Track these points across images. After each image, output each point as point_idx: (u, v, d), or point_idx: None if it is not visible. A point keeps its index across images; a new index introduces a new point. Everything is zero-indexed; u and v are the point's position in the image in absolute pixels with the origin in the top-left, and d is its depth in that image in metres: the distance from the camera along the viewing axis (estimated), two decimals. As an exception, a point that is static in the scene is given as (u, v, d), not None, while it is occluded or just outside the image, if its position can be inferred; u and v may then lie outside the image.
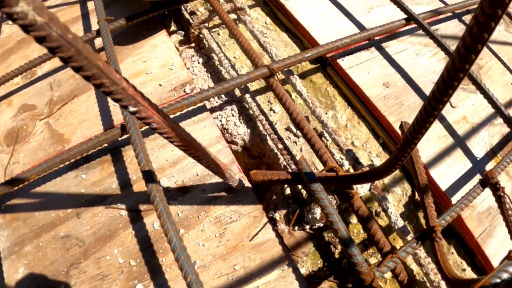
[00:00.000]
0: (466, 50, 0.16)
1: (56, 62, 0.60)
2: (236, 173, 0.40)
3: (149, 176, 0.35)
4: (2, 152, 0.53)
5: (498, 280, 0.22)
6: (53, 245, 0.43)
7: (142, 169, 0.36)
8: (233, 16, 0.64)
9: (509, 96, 0.66)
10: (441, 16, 0.72)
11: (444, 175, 0.48)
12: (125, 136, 0.44)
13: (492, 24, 0.17)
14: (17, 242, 0.45)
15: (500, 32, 0.81)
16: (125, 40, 0.59)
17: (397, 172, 0.49)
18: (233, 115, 0.49)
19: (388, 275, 0.42)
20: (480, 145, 0.55)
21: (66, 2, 0.74)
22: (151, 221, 0.41)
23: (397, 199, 0.47)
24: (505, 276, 0.23)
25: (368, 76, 0.54)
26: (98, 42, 0.61)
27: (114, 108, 0.50)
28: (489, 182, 0.43)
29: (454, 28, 0.73)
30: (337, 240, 0.40)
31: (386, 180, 0.47)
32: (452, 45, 0.69)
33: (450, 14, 0.74)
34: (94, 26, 0.65)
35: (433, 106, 0.21)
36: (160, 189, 0.34)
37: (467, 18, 0.79)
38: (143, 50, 0.56)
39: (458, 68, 0.17)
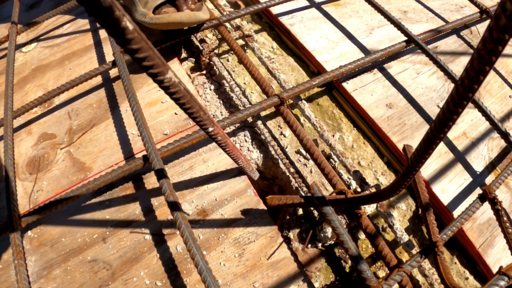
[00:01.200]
0: (470, 81, 0.19)
1: (72, 92, 0.65)
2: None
3: (174, 205, 0.40)
4: (25, 180, 0.58)
5: None
6: (81, 269, 0.48)
7: (167, 200, 0.41)
8: (241, 42, 0.69)
9: (507, 109, 0.72)
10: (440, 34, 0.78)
11: (446, 190, 0.53)
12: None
13: (493, 58, 0.19)
14: (45, 266, 0.49)
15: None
16: (139, 69, 0.64)
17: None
18: (246, 141, 0.54)
19: (396, 287, 0.47)
20: (479, 159, 0.60)
21: (79, 30, 0.80)
22: (175, 244, 0.46)
23: (402, 214, 0.51)
24: (495, 288, 0.28)
25: (372, 98, 0.60)
26: (113, 71, 0.67)
27: (132, 137, 0.56)
28: (487, 197, 0.48)
29: (453, 45, 0.79)
30: (347, 256, 0.45)
31: (395, 198, 0.52)
32: (451, 62, 0.75)
33: (449, 30, 0.79)
34: (107, 54, 0.71)
35: (437, 131, 0.24)
36: (185, 217, 0.39)
37: (465, 33, 0.85)
38: (157, 79, 0.62)
39: (462, 96, 0.20)
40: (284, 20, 0.71)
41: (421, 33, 0.69)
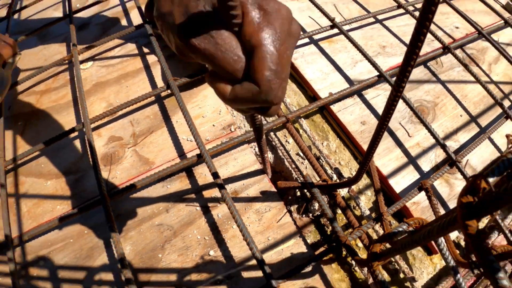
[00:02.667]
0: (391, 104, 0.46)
1: (133, 106, 0.93)
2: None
3: (221, 186, 0.68)
4: (101, 170, 0.85)
5: (394, 232, 0.54)
6: (150, 230, 0.75)
7: (216, 182, 0.68)
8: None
9: (456, 125, 0.99)
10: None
11: (399, 183, 0.81)
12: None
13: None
14: (123, 229, 0.76)
15: (459, 72, 1.14)
16: (184, 90, 0.92)
17: (368, 181, 0.82)
18: (262, 146, 0.81)
19: (360, 246, 0.75)
20: (428, 163, 0.87)
21: (128, 54, 1.07)
22: (216, 213, 0.73)
23: (367, 198, 0.79)
24: (399, 229, 0.55)
25: (351, 117, 0.87)
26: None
27: (183, 141, 0.83)
28: (423, 188, 0.76)
29: (419, 74, 1.07)
30: (328, 221, 0.73)
31: (361, 186, 0.80)
32: (416, 88, 1.03)
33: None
34: (157, 78, 0.98)
35: (378, 131, 0.51)
36: (228, 193, 0.67)
37: (432, 63, 1.13)
38: (198, 99, 0.90)
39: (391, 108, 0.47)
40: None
41: (391, 68, 0.97)
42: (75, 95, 1.01)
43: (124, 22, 1.21)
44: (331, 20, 1.02)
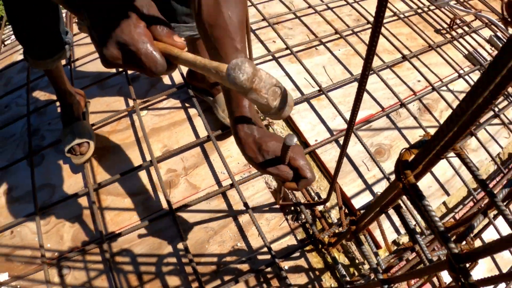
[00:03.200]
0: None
1: (182, 148, 1.39)
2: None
3: (246, 204, 1.14)
4: (162, 192, 1.31)
5: (342, 232, 1.00)
6: (200, 231, 1.21)
7: (242, 201, 1.14)
8: (265, 122, 1.43)
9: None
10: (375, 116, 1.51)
11: (359, 203, 1.26)
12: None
13: None
14: (182, 230, 1.22)
15: (413, 120, 1.59)
16: (218, 139, 1.38)
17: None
18: (268, 177, 1.27)
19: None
20: (380, 189, 1.32)
21: (174, 106, 1.54)
22: (241, 220, 1.19)
23: (336, 211, 1.24)
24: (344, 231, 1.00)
25: (329, 157, 1.33)
26: (203, 137, 1.41)
27: (219, 174, 1.29)
28: (372, 205, 1.21)
29: (382, 123, 1.52)
30: (310, 226, 1.18)
31: (333, 203, 1.25)
32: (378, 134, 1.48)
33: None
34: (198, 127, 1.44)
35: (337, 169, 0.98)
36: (250, 207, 1.13)
37: (393, 114, 1.58)
38: (227, 144, 1.36)
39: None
40: (289, 110, 1.45)
41: (360, 121, 1.42)
42: (137, 137, 1.47)
43: (166, 78, 1.67)
44: (319, 86, 1.49)
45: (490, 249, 0.36)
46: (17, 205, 1.33)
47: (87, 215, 1.26)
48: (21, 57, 1.92)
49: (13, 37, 2.15)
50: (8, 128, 1.59)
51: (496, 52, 2.01)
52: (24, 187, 1.37)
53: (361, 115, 1.50)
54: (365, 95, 1.61)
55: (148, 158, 1.35)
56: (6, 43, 2.12)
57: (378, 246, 1.21)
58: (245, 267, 1.11)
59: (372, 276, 1.04)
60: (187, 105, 1.53)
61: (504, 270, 1.25)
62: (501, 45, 2.02)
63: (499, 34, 2.12)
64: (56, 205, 1.29)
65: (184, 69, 1.63)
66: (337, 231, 1.12)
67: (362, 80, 0.50)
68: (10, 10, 0.97)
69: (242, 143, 0.62)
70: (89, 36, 0.49)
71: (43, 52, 1.11)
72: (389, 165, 1.38)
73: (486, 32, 2.12)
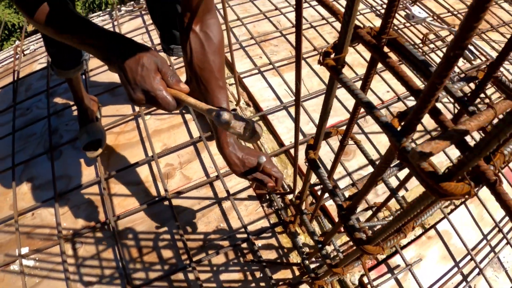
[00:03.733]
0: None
1: (179, 146, 1.67)
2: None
3: (227, 192, 1.41)
4: (160, 182, 1.58)
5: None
6: (191, 213, 1.48)
7: (225, 189, 1.41)
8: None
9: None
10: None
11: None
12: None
13: None
14: (176, 212, 1.49)
15: (377, 126, 1.85)
16: (208, 139, 1.65)
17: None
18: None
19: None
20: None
21: (173, 113, 1.82)
22: (224, 205, 1.46)
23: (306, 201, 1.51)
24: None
25: (302, 156, 1.60)
26: (196, 137, 1.69)
27: (208, 168, 1.57)
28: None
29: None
30: (281, 211, 1.44)
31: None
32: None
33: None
34: (192, 130, 1.72)
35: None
36: (231, 195, 1.40)
37: (361, 121, 1.85)
38: (215, 143, 1.64)
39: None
40: (269, 116, 1.73)
41: (330, 126, 1.69)
42: (141, 137, 1.75)
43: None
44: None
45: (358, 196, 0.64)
46: (38, 192, 1.61)
47: (98, 200, 1.53)
48: (40, 66, 2.21)
49: (32, 47, 2.44)
50: (29, 128, 1.87)
51: (468, 64, 2.27)
52: (44, 177, 1.64)
53: (333, 121, 1.77)
54: (337, 103, 1.88)
55: (150, 154, 1.62)
56: (25, 52, 2.41)
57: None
58: (225, 243, 1.38)
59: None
60: (184, 111, 1.81)
61: (457, 258, 1.49)
62: (472, 58, 2.27)
63: (471, 48, 2.36)
64: (72, 191, 1.56)
65: (182, 78, 1.91)
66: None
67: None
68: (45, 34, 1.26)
69: (228, 159, 0.94)
70: (120, 81, 0.69)
71: (67, 64, 1.40)
72: (353, 164, 1.65)
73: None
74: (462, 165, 0.34)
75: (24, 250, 1.44)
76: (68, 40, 0.72)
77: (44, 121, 1.86)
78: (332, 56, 0.55)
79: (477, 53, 2.31)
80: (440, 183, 0.35)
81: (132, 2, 2.53)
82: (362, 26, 0.64)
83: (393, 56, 0.56)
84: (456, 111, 0.63)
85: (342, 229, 1.17)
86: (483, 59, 2.28)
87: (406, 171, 1.17)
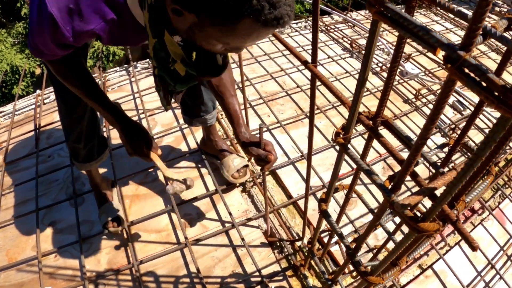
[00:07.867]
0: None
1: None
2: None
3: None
4: (180, 230, 1.83)
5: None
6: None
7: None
8: (259, 180, 2.00)
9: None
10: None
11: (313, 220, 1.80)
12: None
13: None
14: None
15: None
16: (222, 191, 1.94)
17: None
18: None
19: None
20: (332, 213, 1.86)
21: (190, 166, 2.11)
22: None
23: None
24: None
25: (309, 206, 1.89)
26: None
27: (224, 217, 1.83)
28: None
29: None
30: (290, 256, 1.70)
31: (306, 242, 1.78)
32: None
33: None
34: (208, 183, 2.00)
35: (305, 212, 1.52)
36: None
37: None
38: (229, 195, 1.92)
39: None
40: (277, 171, 2.03)
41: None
42: (160, 188, 2.02)
43: (183, 144, 2.25)
44: (301, 152, 2.08)
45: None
46: (61, 235, 1.84)
47: (120, 245, 1.77)
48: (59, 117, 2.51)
49: (52, 97, 2.76)
50: (52, 174, 2.13)
51: (458, 115, 2.61)
52: (67, 222, 1.89)
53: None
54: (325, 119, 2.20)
55: (169, 204, 1.89)
56: (45, 101, 2.72)
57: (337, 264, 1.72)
58: (241, 286, 1.62)
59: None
60: (199, 165, 2.11)
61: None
62: (462, 109, 2.63)
63: (461, 99, 2.72)
64: (95, 236, 1.80)
65: (198, 137, 2.21)
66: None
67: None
68: (65, 128, 1.51)
69: (241, 139, 1.32)
70: (121, 141, 1.22)
71: (88, 156, 1.58)
72: (354, 212, 1.93)
73: (450, 99, 2.77)
74: (431, 211, 0.63)
75: (47, 289, 1.65)
76: (87, 102, 1.17)
77: (67, 169, 2.14)
78: (341, 136, 0.85)
79: (467, 103, 2.68)
80: (418, 223, 0.64)
81: (147, 60, 2.90)
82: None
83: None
84: (430, 173, 0.94)
85: (347, 271, 1.43)
86: (472, 109, 2.66)
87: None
